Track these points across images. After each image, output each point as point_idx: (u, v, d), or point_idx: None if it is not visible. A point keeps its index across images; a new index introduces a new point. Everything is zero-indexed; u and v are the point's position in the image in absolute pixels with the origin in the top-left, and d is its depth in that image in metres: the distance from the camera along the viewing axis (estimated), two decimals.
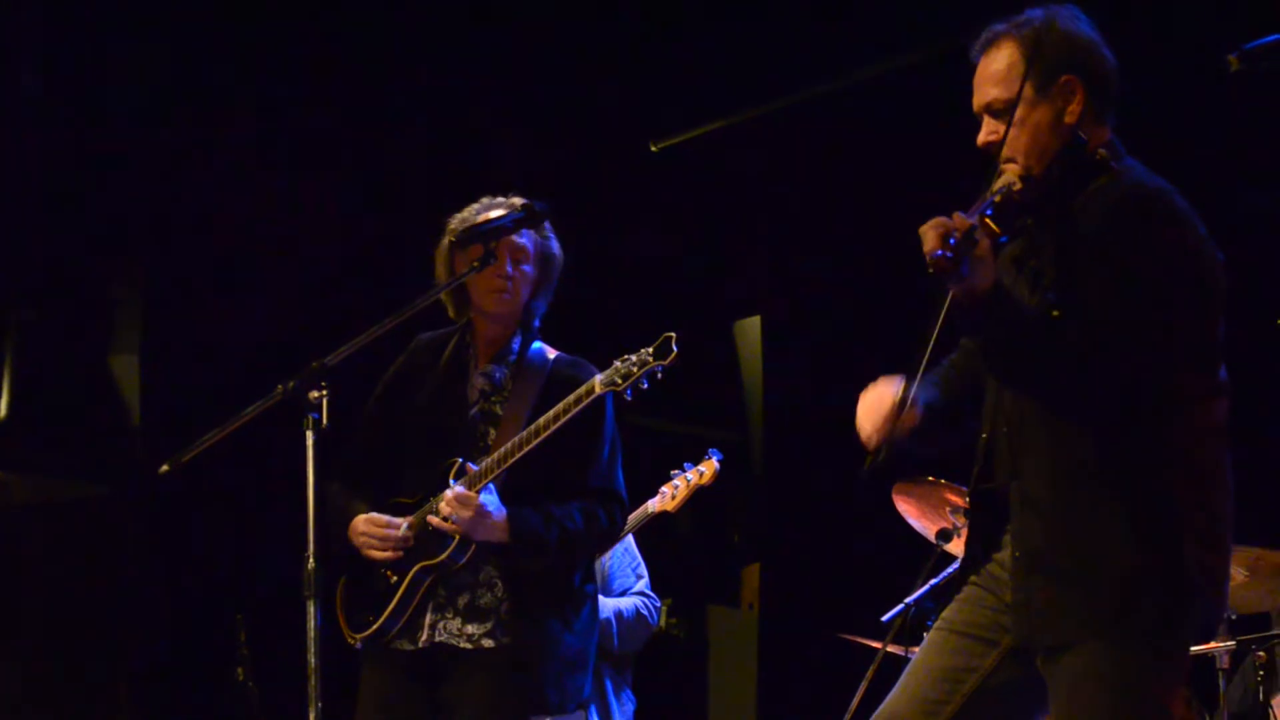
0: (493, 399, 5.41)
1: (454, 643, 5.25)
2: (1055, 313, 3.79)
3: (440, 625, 5.27)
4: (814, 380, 8.88)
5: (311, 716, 4.71)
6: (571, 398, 5.16)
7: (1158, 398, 3.75)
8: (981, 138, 4.01)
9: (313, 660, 4.65)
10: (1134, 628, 3.74)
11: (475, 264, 5.22)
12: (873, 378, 4.18)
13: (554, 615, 5.27)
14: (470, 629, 5.26)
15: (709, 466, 6.44)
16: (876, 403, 4.14)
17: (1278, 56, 3.70)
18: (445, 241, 5.44)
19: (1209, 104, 6.80)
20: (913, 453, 4.19)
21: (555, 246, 5.47)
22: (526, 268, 5.38)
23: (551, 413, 5.17)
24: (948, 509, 6.28)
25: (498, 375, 5.44)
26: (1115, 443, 3.79)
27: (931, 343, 3.92)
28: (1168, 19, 7.02)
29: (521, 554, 5.21)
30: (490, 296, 5.37)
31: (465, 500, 5.14)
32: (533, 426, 5.19)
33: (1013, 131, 3.90)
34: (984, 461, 4.09)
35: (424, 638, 5.28)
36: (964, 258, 3.66)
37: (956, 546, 6.25)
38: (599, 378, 5.16)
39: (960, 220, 3.69)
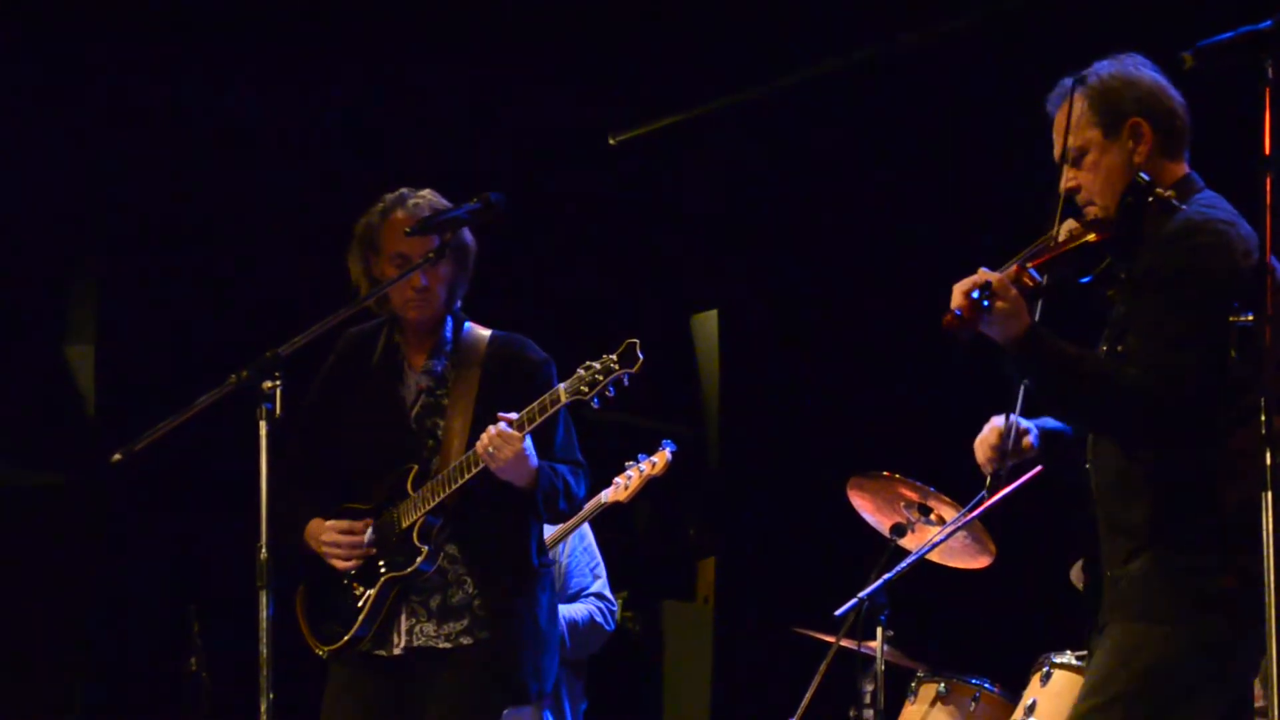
0: (436, 392, 5.39)
1: (433, 645, 5.25)
2: (1109, 349, 4.07)
3: (416, 629, 5.27)
4: (771, 375, 8.89)
5: (263, 707, 4.71)
6: (536, 405, 5.14)
7: (1202, 424, 3.95)
8: (1062, 186, 4.21)
9: (265, 650, 4.65)
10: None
11: (430, 254, 5.20)
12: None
13: (524, 602, 5.29)
14: (447, 628, 5.26)
15: (661, 458, 6.44)
16: (987, 435, 4.37)
17: (1232, 54, 3.71)
18: (354, 244, 5.39)
19: None
20: (1058, 476, 4.47)
21: (468, 236, 5.40)
22: (442, 269, 5.32)
23: (517, 420, 5.13)
24: (902, 504, 6.29)
25: (438, 368, 5.41)
26: (1173, 457, 4.01)
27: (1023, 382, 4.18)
28: (1124, 17, 7.03)
29: (542, 505, 5.22)
30: (407, 306, 5.34)
31: (510, 438, 5.10)
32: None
33: (1088, 176, 4.15)
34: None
35: (401, 644, 5.27)
36: (981, 315, 3.90)
37: (910, 541, 6.26)
38: (563, 386, 5.13)
39: (984, 277, 3.94)
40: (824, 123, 8.32)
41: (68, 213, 8.48)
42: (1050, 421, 4.41)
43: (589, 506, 6.47)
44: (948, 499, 6.16)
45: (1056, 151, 4.23)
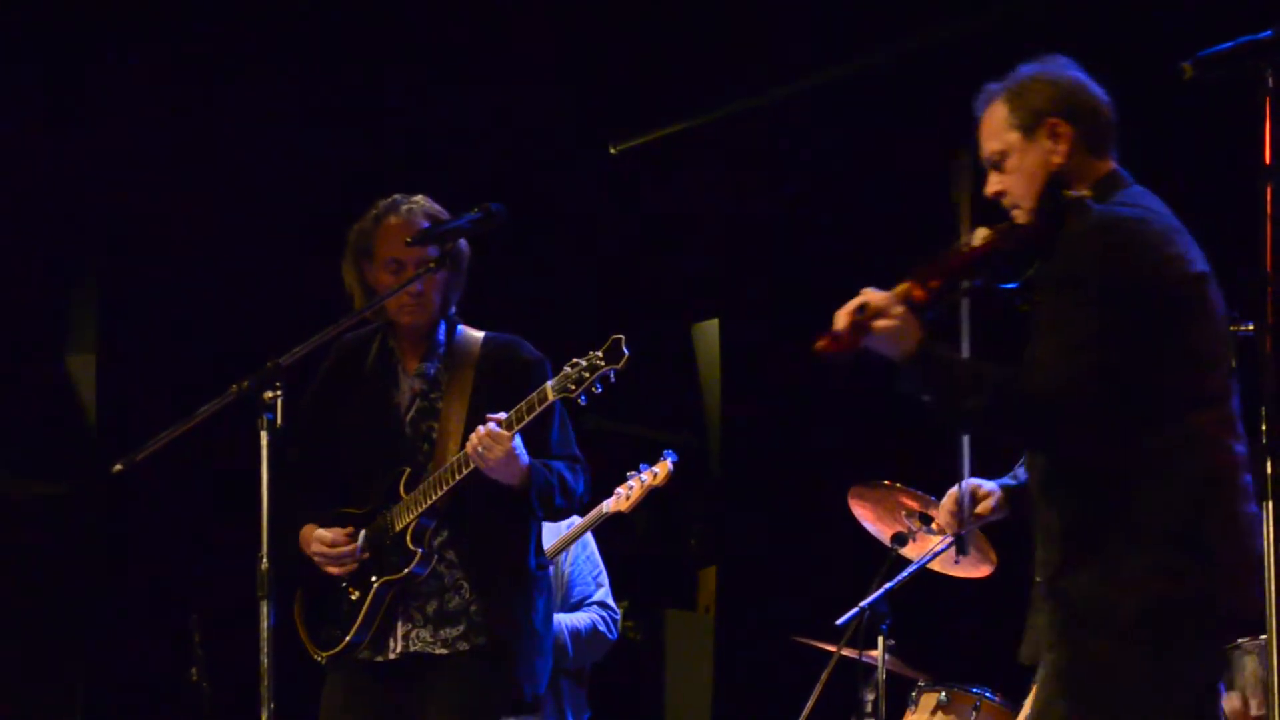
0: (430, 395, 5.39)
1: (429, 650, 5.25)
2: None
3: (413, 635, 5.27)
4: (772, 384, 8.88)
5: (264, 717, 4.70)
6: (524, 405, 5.14)
7: (1114, 424, 3.86)
8: (987, 190, 4.20)
9: (265, 660, 4.65)
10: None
11: (431, 264, 5.21)
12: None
13: (520, 606, 5.29)
14: (444, 633, 5.26)
15: (663, 468, 6.44)
16: (946, 502, 4.44)
17: (1232, 64, 3.71)
18: (348, 252, 5.40)
19: (1164, 112, 6.82)
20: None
21: (463, 243, 5.39)
22: (438, 275, 5.31)
23: (505, 421, 5.14)
24: (903, 513, 6.29)
25: (430, 371, 5.42)
26: (1090, 462, 3.93)
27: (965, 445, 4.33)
28: (1123, 26, 7.04)
29: (536, 504, 5.21)
30: (401, 311, 5.34)
31: (499, 438, 5.10)
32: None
33: (1011, 179, 4.13)
34: None
35: (397, 649, 5.27)
36: (861, 336, 3.93)
37: (911, 550, 6.26)
38: (551, 384, 5.13)
39: (863, 297, 3.98)
40: (825, 131, 8.33)
41: (69, 221, 8.48)
42: (1022, 473, 4.38)
43: (591, 516, 6.47)
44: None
45: (982, 157, 4.21)
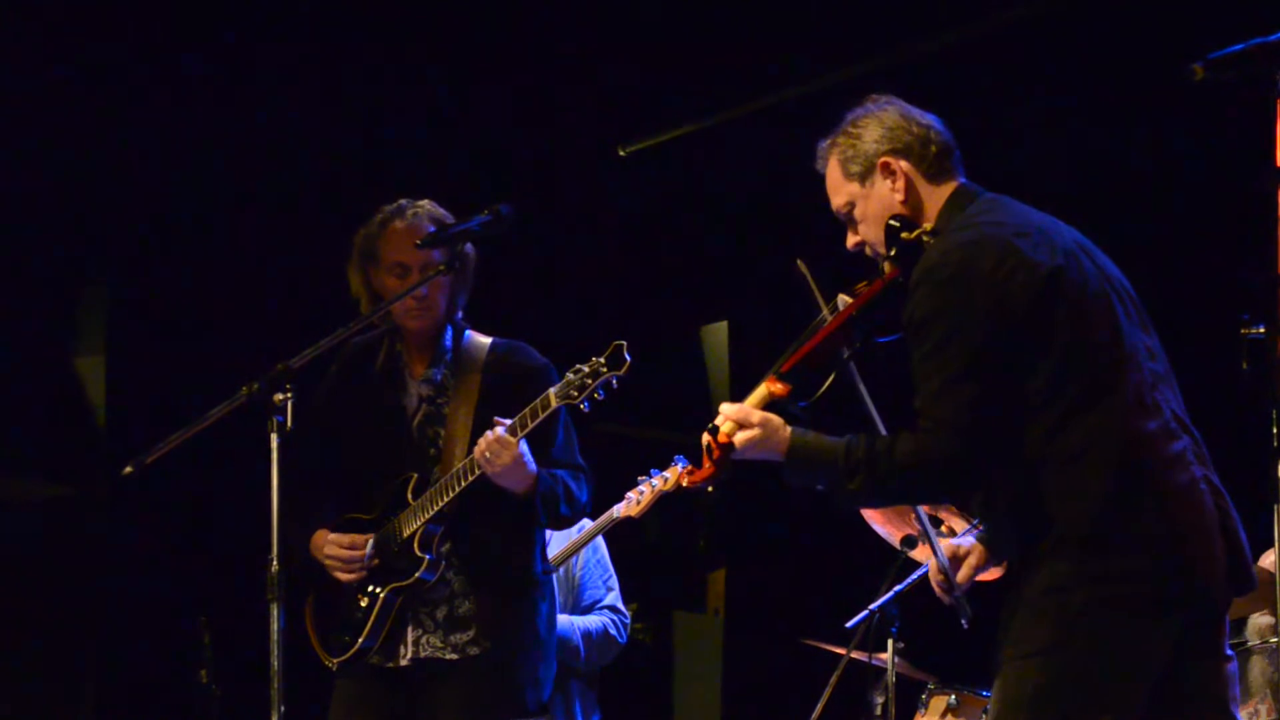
0: (437, 401, 5.39)
1: (440, 655, 5.26)
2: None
3: (423, 641, 5.28)
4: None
5: (274, 719, 4.70)
6: (527, 412, 5.14)
7: (1007, 446, 3.83)
8: (849, 245, 4.20)
9: (275, 663, 4.65)
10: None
11: (441, 268, 5.21)
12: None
13: (525, 610, 5.30)
14: (454, 639, 5.26)
15: (674, 473, 6.42)
16: (931, 574, 4.46)
17: (1243, 66, 3.71)
18: (354, 255, 5.40)
19: (1174, 114, 6.82)
20: None
21: (467, 246, 5.39)
22: (443, 279, 5.32)
23: (509, 427, 5.13)
24: (912, 516, 6.27)
25: (437, 376, 5.42)
26: (998, 487, 3.93)
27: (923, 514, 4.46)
28: (1135, 29, 7.03)
29: (542, 510, 5.22)
30: (407, 315, 5.35)
31: (506, 443, 5.10)
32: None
33: (864, 228, 4.13)
34: None
35: (407, 655, 5.28)
36: (724, 457, 3.98)
37: (920, 553, 6.25)
38: (553, 390, 5.13)
39: (724, 412, 4.04)
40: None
41: (77, 224, 8.48)
42: None
43: (601, 521, 6.47)
44: (958, 511, 6.16)
45: (834, 212, 4.21)
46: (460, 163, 8.45)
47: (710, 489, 4.02)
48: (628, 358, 5.05)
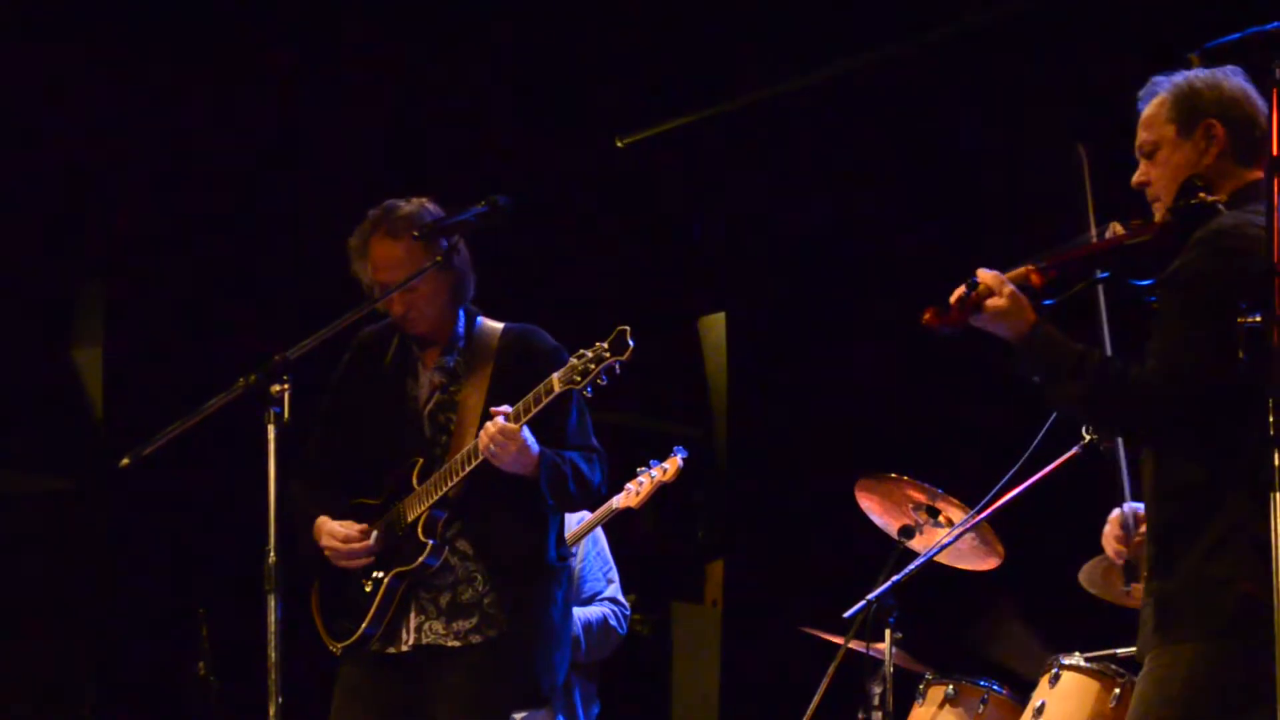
0: (449, 388, 5.40)
1: (441, 642, 5.26)
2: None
3: (425, 627, 5.28)
4: (778, 376, 8.88)
5: (272, 711, 4.71)
6: (531, 397, 5.14)
7: (1212, 427, 3.91)
8: (1134, 180, 4.23)
9: (273, 655, 4.66)
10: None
11: (439, 259, 5.21)
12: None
13: (540, 598, 5.29)
14: (456, 626, 5.26)
15: (673, 464, 6.43)
16: (1109, 529, 4.45)
17: (1240, 55, 3.71)
18: (354, 257, 5.40)
19: None
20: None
21: (441, 242, 5.31)
22: (422, 286, 5.30)
23: (513, 413, 5.14)
24: (910, 505, 6.28)
25: (450, 363, 5.42)
26: (1189, 463, 3.99)
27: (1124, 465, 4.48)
28: (1134, 17, 7.03)
29: (548, 493, 5.20)
30: (401, 323, 5.38)
31: (510, 433, 5.10)
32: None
33: (1158, 172, 4.18)
34: None
35: (409, 641, 5.28)
36: (967, 312, 4.00)
37: (918, 543, 6.26)
38: (557, 375, 5.13)
39: (977, 276, 4.03)
40: (832, 125, 8.32)
41: (75, 216, 8.48)
42: None
43: (601, 512, 6.47)
44: (956, 500, 6.16)
45: (1137, 146, 4.25)
46: (457, 152, 8.44)
47: (942, 332, 4.05)
48: (631, 343, 5.05)
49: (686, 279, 9.29)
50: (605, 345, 5.08)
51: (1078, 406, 4.12)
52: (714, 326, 9.54)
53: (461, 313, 5.43)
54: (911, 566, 6.08)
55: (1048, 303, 4.08)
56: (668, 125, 8.17)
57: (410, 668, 5.29)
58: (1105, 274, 4.13)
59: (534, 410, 5.14)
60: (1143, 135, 4.20)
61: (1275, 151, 3.64)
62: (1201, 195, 4.06)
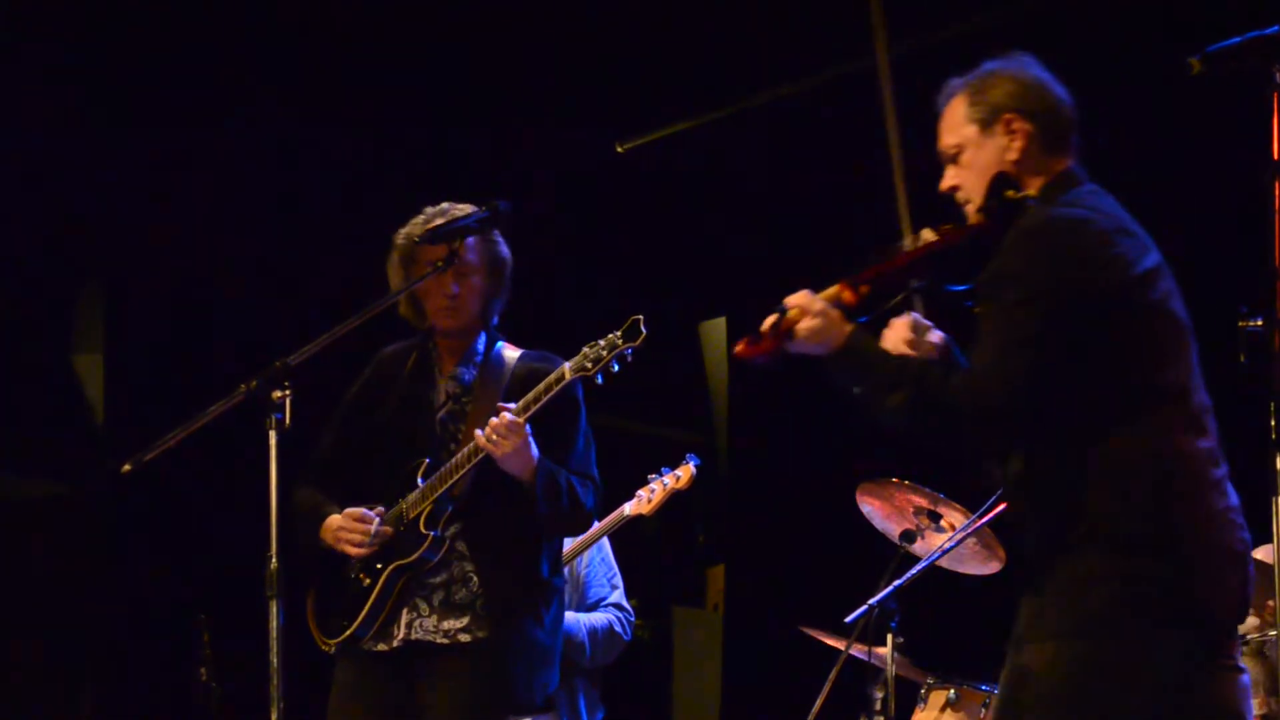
0: (462, 400, 5.41)
1: (430, 639, 5.26)
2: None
3: (416, 623, 5.28)
4: (778, 382, 8.87)
5: (274, 716, 4.71)
6: (542, 385, 5.16)
7: (1057, 427, 3.81)
8: (942, 185, 4.17)
9: (275, 660, 4.65)
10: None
11: (439, 264, 5.22)
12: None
13: (527, 610, 5.29)
14: (447, 624, 5.26)
15: (685, 471, 6.40)
16: (899, 334, 4.29)
17: (1240, 60, 3.71)
18: (394, 256, 5.42)
19: (1170, 106, 6.82)
20: None
21: (504, 250, 5.44)
22: (475, 279, 5.36)
23: (523, 401, 5.16)
24: (912, 510, 6.29)
25: (466, 377, 5.45)
26: (1035, 463, 3.89)
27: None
28: (1133, 22, 7.04)
29: (542, 499, 5.21)
30: (440, 314, 5.38)
31: (515, 427, 5.12)
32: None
33: (965, 174, 4.10)
34: None
35: (399, 637, 5.28)
36: (782, 339, 3.97)
37: (920, 547, 6.26)
38: (568, 364, 5.15)
39: (792, 300, 4.03)
40: (832, 128, 8.32)
41: (75, 221, 8.48)
42: None
43: (611, 518, 6.45)
44: (957, 505, 6.16)
45: (939, 151, 4.19)
46: (457, 158, 8.44)
47: (758, 362, 4.02)
48: (644, 330, 5.07)
49: (687, 283, 9.29)
50: (618, 334, 5.11)
51: (900, 418, 3.94)
52: (715, 331, 9.55)
53: (484, 334, 5.46)
54: (913, 571, 6.09)
55: (862, 319, 4.00)
56: (668, 130, 8.18)
57: (400, 664, 5.29)
58: (921, 283, 4.06)
59: (544, 399, 5.16)
60: (945, 139, 4.15)
61: (1277, 155, 3.64)
62: (1010, 192, 4.00)
